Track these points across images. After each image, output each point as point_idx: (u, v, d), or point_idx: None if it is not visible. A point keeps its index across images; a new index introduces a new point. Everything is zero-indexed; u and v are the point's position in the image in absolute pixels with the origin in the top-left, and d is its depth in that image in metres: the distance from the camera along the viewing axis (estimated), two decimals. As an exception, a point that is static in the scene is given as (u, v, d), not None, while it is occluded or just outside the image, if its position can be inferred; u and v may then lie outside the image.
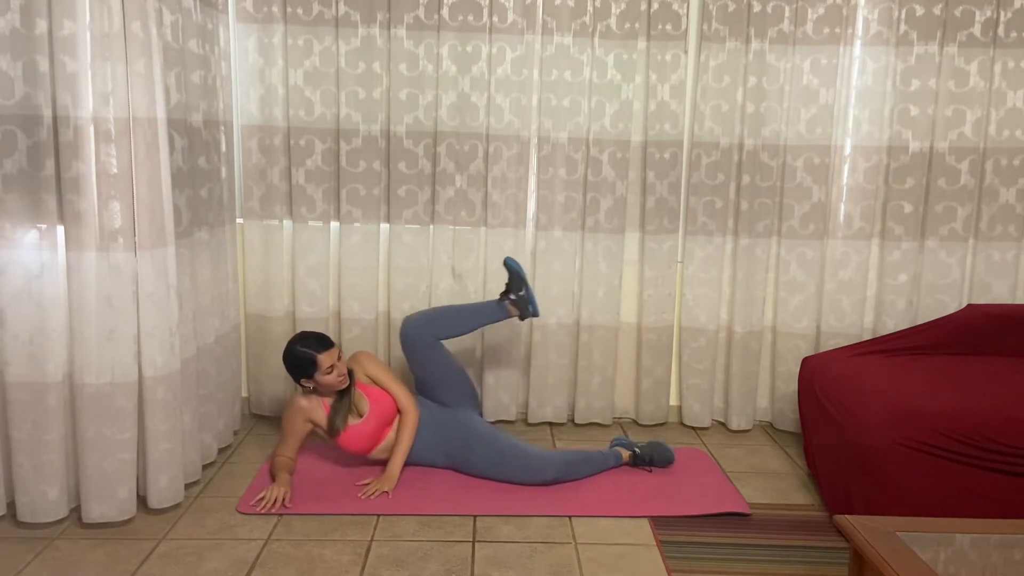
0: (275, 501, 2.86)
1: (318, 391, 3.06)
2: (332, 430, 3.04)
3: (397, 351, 3.67)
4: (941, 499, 2.59)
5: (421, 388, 3.26)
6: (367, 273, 3.63)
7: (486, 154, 3.55)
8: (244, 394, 3.76)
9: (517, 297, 3.22)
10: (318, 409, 3.06)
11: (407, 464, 3.12)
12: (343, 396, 3.06)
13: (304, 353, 2.99)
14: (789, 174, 3.60)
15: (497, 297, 3.30)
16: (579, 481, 3.13)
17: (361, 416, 3.08)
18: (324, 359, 2.98)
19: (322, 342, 3.02)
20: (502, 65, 3.49)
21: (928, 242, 3.61)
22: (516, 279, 3.22)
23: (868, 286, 3.68)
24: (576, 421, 3.78)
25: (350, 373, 3.10)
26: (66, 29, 2.46)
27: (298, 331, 3.25)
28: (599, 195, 3.60)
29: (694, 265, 3.68)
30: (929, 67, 3.48)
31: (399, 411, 3.14)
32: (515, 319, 3.30)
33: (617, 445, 3.32)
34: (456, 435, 3.16)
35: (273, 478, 3.01)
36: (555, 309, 3.67)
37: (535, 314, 3.24)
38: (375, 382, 3.16)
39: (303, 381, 3.03)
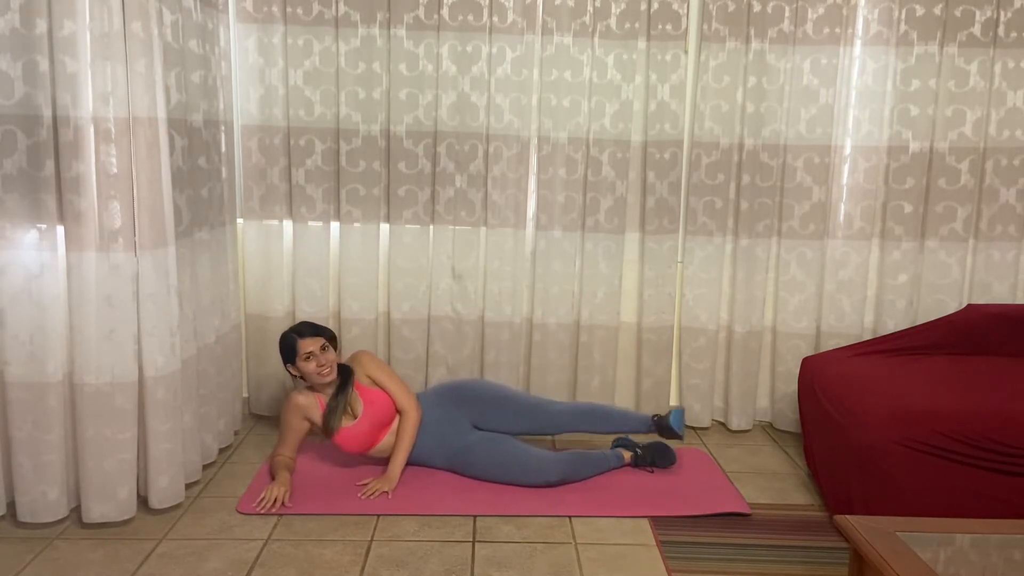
0: (274, 500, 2.86)
1: (310, 385, 3.07)
2: (327, 429, 3.04)
3: (397, 351, 3.68)
4: (941, 499, 2.59)
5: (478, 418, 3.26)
6: (367, 273, 3.63)
7: (486, 154, 3.55)
8: (244, 394, 3.76)
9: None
10: (315, 407, 3.07)
11: (408, 464, 3.12)
12: (338, 395, 3.06)
13: (288, 336, 3.05)
14: (789, 174, 3.60)
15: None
16: (579, 482, 3.13)
17: (355, 417, 3.08)
18: (303, 344, 3.00)
19: (312, 329, 3.06)
20: (502, 65, 3.49)
21: (928, 242, 3.61)
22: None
23: (868, 286, 3.68)
24: (576, 421, 3.78)
25: (349, 371, 3.11)
26: (66, 29, 2.46)
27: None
28: (599, 195, 3.60)
29: (694, 265, 3.68)
30: (929, 67, 3.48)
31: (398, 412, 3.14)
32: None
33: (619, 446, 3.32)
34: (457, 438, 3.16)
35: (273, 478, 3.01)
36: (555, 309, 3.66)
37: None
38: (375, 382, 3.15)
39: (288, 367, 3.06)
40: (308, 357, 3.00)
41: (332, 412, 3.04)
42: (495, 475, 3.10)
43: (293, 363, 3.04)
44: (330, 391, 3.08)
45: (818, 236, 3.64)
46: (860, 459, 2.69)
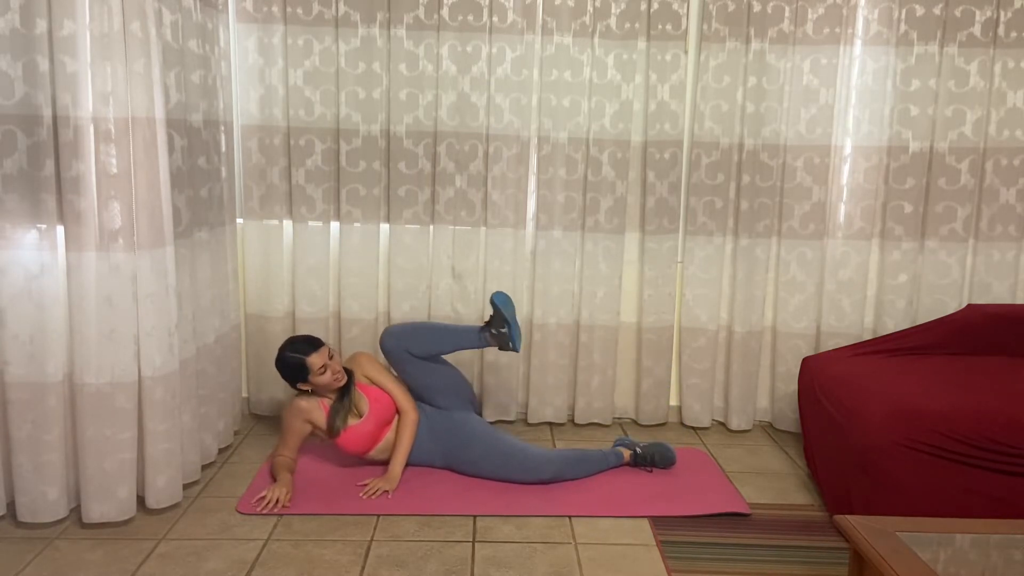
0: (275, 501, 2.86)
1: (317, 392, 3.06)
2: (332, 431, 3.04)
3: (397, 351, 3.68)
4: (941, 499, 2.59)
5: (413, 393, 3.24)
6: (367, 273, 3.63)
7: (486, 154, 3.55)
8: (244, 394, 3.76)
9: (498, 333, 3.14)
10: (317, 410, 3.06)
11: (406, 464, 3.12)
12: (343, 397, 3.06)
13: (293, 358, 3.01)
14: (789, 174, 3.60)
15: (480, 324, 3.23)
16: (579, 481, 3.13)
17: (361, 416, 3.08)
18: (314, 360, 2.99)
19: (311, 343, 3.03)
20: (502, 65, 3.49)
21: (928, 242, 3.61)
22: (499, 317, 3.13)
23: (868, 286, 3.69)
24: (576, 421, 3.78)
25: (349, 373, 3.11)
26: (66, 29, 2.46)
27: (294, 333, 3.25)
28: (599, 195, 3.60)
29: (694, 265, 3.68)
30: (929, 67, 3.48)
31: (398, 411, 3.14)
32: (494, 347, 3.24)
33: (619, 445, 3.32)
34: (454, 436, 3.16)
35: (273, 478, 3.01)
36: (555, 309, 3.67)
37: (515, 350, 3.16)
38: (374, 383, 3.16)
39: (299, 385, 3.04)
40: (323, 370, 3.00)
41: (336, 414, 3.04)
42: (492, 472, 3.10)
43: (305, 381, 3.02)
44: (333, 395, 3.08)
45: (818, 236, 3.64)
46: (860, 459, 2.69)
